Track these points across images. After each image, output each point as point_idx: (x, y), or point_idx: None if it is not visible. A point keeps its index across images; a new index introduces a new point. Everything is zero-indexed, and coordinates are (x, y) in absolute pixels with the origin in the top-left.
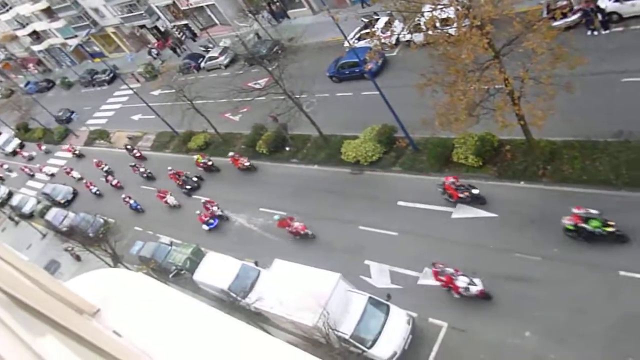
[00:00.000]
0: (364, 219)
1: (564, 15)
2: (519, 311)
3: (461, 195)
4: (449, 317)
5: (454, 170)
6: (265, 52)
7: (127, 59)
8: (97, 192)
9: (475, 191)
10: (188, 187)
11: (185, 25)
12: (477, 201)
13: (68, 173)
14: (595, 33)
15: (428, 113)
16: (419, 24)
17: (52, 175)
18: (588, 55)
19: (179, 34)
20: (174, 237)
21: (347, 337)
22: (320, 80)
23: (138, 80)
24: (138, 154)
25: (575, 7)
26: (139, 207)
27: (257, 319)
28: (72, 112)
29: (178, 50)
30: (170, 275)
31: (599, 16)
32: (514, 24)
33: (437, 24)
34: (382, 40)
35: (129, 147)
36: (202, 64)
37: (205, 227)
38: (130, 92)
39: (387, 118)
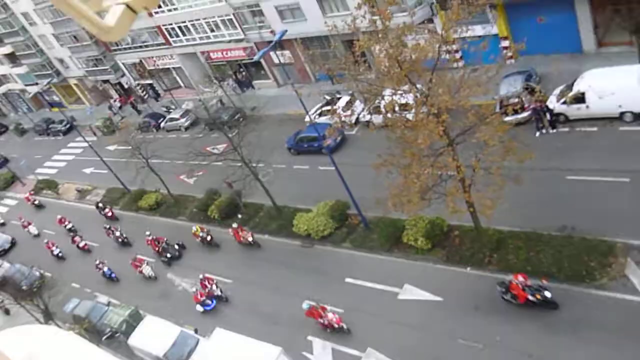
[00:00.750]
0: (311, 293)
1: (516, 112)
2: None
3: (531, 297)
4: None
5: (403, 251)
6: (227, 119)
7: (86, 112)
8: (60, 255)
9: (547, 294)
10: (168, 255)
11: (150, 84)
12: (548, 306)
13: (25, 227)
14: (544, 131)
15: (382, 193)
16: (379, 107)
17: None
18: (536, 151)
19: (142, 92)
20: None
21: None
22: (279, 151)
23: (95, 134)
24: (110, 214)
25: (526, 106)
26: (113, 275)
27: None
28: (6, 160)
29: (139, 108)
30: (104, 338)
31: (548, 116)
32: (468, 115)
33: (396, 108)
34: (342, 119)
35: (100, 205)
36: (162, 124)
37: (199, 307)
38: (85, 144)
39: (341, 194)
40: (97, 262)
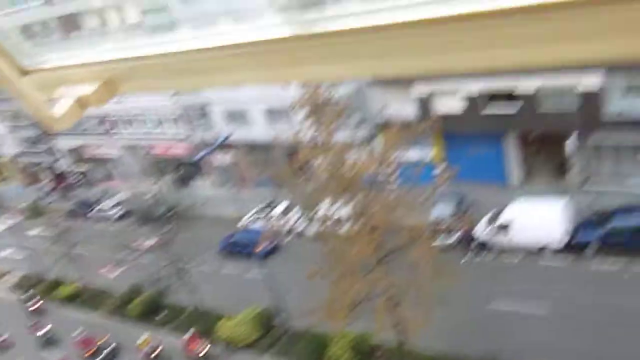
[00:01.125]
0: None
1: (445, 236)
2: None
3: None
4: None
5: None
6: (160, 214)
7: (13, 191)
8: None
9: None
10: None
11: (83, 172)
12: None
13: None
14: (470, 257)
15: (311, 304)
16: (315, 218)
17: None
18: (463, 276)
19: (75, 179)
20: None
21: None
22: (210, 252)
23: (19, 216)
24: (34, 307)
25: (455, 230)
26: None
27: None
28: None
29: (69, 195)
30: None
31: (475, 242)
32: (401, 234)
33: (331, 221)
34: (277, 226)
35: (23, 297)
36: (91, 213)
37: None
38: (5, 225)
39: (268, 302)
40: None
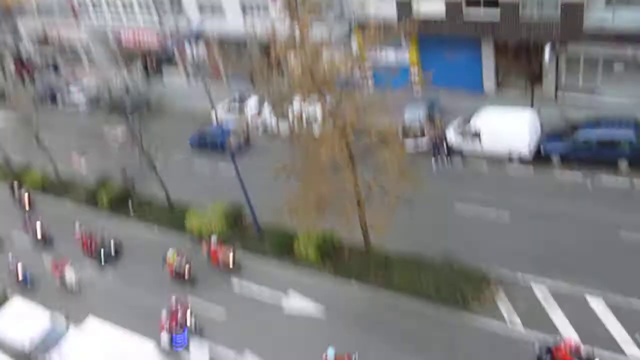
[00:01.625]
0: (196, 292)
1: (415, 139)
2: None
3: None
4: None
5: (293, 260)
6: (130, 104)
7: None
8: None
9: None
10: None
11: (49, 57)
12: None
13: None
14: (439, 161)
15: (279, 200)
16: (287, 114)
17: None
18: (430, 179)
19: (42, 62)
20: None
21: None
22: (180, 145)
23: None
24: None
25: (426, 134)
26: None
27: None
28: None
29: (36, 79)
30: None
31: (445, 147)
32: (371, 135)
33: (303, 118)
34: (249, 121)
35: (15, 184)
36: (59, 99)
37: (164, 340)
38: None
39: (238, 196)
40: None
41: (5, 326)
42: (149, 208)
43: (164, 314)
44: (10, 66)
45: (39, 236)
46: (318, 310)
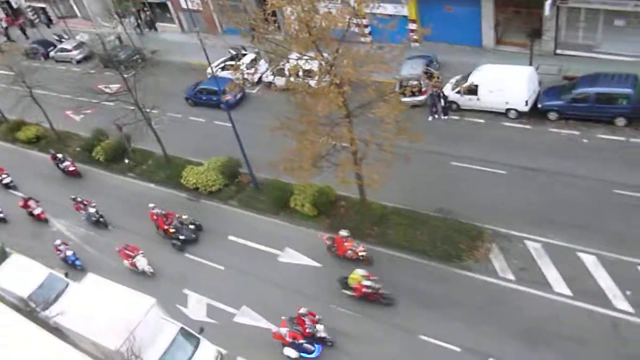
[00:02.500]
0: (191, 247)
1: (413, 94)
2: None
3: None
4: (258, 359)
5: (289, 215)
6: (124, 58)
7: None
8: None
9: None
10: (181, 237)
11: (42, 8)
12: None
13: None
14: (437, 116)
15: (275, 155)
16: (283, 69)
17: None
18: (427, 135)
19: (33, 15)
20: None
21: None
22: (176, 100)
23: None
24: (71, 168)
25: (424, 89)
26: (78, 262)
27: (55, 335)
28: None
29: (28, 33)
30: None
31: (442, 102)
32: (369, 90)
33: (300, 73)
34: (245, 76)
35: (59, 156)
36: (52, 54)
37: (291, 354)
38: None
39: (234, 152)
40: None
41: (7, 279)
42: (146, 164)
43: (283, 332)
44: (2, 21)
45: (95, 216)
46: (314, 267)
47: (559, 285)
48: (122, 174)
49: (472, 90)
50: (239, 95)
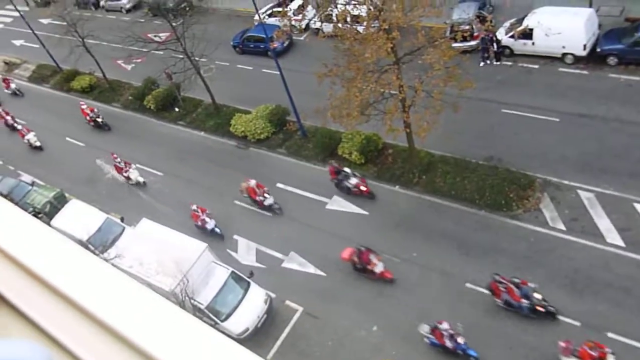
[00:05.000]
0: (241, 195)
1: (464, 39)
2: (372, 306)
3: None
4: (305, 303)
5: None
6: (172, 6)
7: None
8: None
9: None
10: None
11: None
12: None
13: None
14: (488, 62)
15: (323, 103)
16: (331, 15)
17: None
18: (477, 81)
19: None
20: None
21: (202, 307)
22: (223, 48)
23: (27, 4)
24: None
25: (476, 34)
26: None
27: None
28: None
29: None
30: None
31: (494, 47)
32: (418, 35)
33: (348, 19)
34: (293, 22)
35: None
36: (102, 3)
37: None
38: (16, 14)
39: (282, 99)
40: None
41: (67, 223)
42: (195, 112)
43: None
44: None
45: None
46: (361, 214)
47: (611, 235)
48: (172, 122)
49: (527, 34)
50: (286, 43)
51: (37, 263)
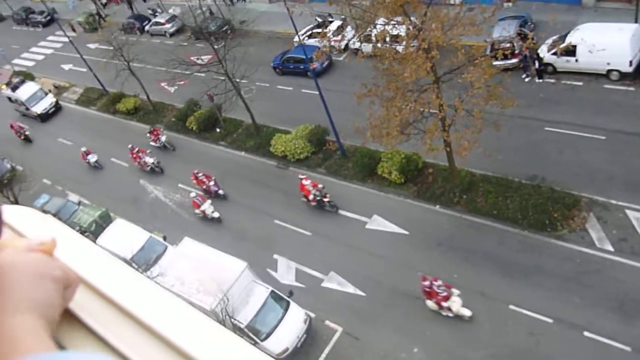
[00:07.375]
0: (280, 214)
1: (505, 57)
2: (411, 327)
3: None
4: (345, 323)
5: (376, 182)
6: (214, 29)
7: (68, 5)
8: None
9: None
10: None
11: None
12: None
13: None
14: (530, 79)
15: (362, 122)
16: (370, 35)
17: None
18: (519, 99)
19: None
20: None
21: (242, 326)
22: (264, 69)
23: (74, 30)
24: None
25: (517, 52)
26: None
27: None
28: None
29: (133, 7)
30: None
31: (536, 64)
32: (458, 54)
33: (387, 39)
34: (332, 43)
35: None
36: (147, 27)
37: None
38: (66, 39)
39: (321, 119)
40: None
41: (111, 242)
42: (236, 132)
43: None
44: None
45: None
46: (401, 234)
47: None
48: (214, 142)
49: (570, 51)
50: (325, 63)
51: (104, 283)
